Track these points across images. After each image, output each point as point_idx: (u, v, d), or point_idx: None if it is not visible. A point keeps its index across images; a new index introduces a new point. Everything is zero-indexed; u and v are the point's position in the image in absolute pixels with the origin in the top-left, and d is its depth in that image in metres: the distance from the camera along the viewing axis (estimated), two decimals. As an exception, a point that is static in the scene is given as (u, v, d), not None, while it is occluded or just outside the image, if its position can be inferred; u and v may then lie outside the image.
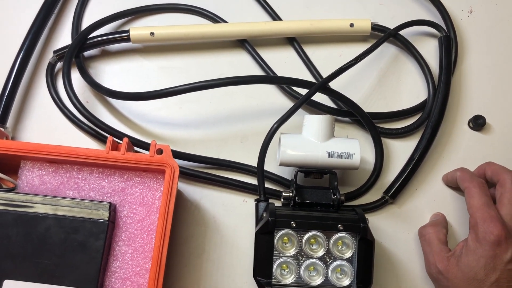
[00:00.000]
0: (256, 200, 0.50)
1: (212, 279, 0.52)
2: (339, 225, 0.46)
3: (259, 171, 0.50)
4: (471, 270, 0.45)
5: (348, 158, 0.49)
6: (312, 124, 0.50)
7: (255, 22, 0.59)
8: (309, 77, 0.59)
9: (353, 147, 0.49)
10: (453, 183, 0.54)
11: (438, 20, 0.61)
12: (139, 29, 0.57)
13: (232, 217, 0.54)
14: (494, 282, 0.44)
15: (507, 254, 0.44)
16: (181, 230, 0.53)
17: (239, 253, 0.53)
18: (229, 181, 0.54)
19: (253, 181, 0.55)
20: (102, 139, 0.55)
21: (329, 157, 0.49)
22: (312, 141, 0.50)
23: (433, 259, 0.48)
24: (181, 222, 0.53)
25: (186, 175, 0.54)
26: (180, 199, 0.54)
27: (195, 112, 0.57)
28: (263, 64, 0.59)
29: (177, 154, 0.54)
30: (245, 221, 0.53)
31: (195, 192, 0.55)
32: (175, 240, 0.52)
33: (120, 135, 0.54)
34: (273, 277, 0.45)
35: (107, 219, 0.45)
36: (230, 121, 0.57)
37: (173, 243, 0.52)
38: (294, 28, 0.59)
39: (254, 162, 0.54)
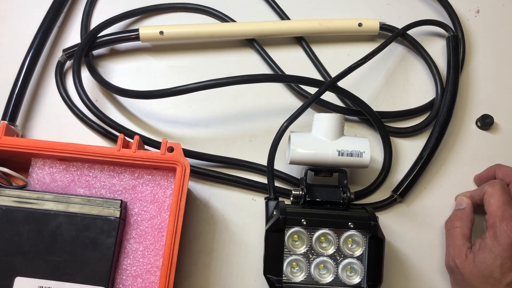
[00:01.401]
0: (266, 198, 0.50)
1: (221, 277, 0.52)
2: (349, 223, 0.46)
3: (269, 169, 0.50)
4: (487, 268, 0.45)
5: (358, 157, 0.49)
6: (322, 123, 0.50)
7: (264, 22, 0.59)
8: (317, 76, 0.60)
9: (363, 146, 0.50)
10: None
11: (446, 20, 0.61)
12: (148, 28, 0.57)
13: (241, 215, 0.54)
14: (510, 282, 0.44)
15: None
16: (190, 228, 0.53)
17: (248, 252, 0.53)
18: (238, 180, 0.54)
19: (261, 179, 0.55)
20: (111, 137, 0.55)
21: (339, 155, 0.49)
22: (322, 139, 0.50)
23: (453, 252, 0.48)
24: (190, 220, 0.53)
25: (195, 173, 0.54)
26: (189, 197, 0.54)
27: (204, 110, 0.58)
28: (271, 63, 0.59)
29: (186, 153, 0.54)
30: (254, 219, 0.54)
31: (204, 190, 0.55)
32: (185, 238, 0.52)
33: (130, 133, 0.54)
34: (283, 275, 0.45)
35: (118, 216, 0.45)
36: (239, 120, 0.57)
37: (183, 241, 0.52)
38: (303, 28, 0.59)
39: (262, 161, 0.54)
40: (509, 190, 0.48)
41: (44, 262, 0.44)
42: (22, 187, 0.48)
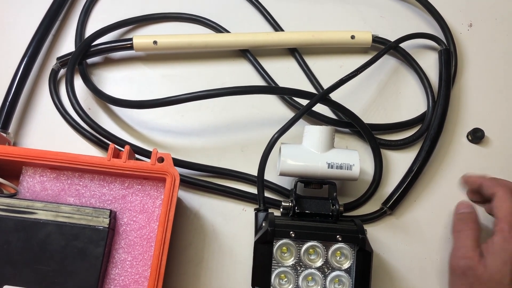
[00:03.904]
0: (255, 209, 0.51)
1: (210, 287, 0.52)
2: (338, 236, 0.46)
3: (259, 181, 0.50)
4: (498, 272, 0.45)
5: (347, 169, 0.49)
6: (313, 135, 0.50)
7: (257, 33, 0.59)
8: (310, 88, 0.60)
9: (352, 158, 0.50)
10: (473, 186, 0.53)
11: (438, 33, 0.62)
12: (142, 37, 0.57)
13: (231, 225, 0.54)
14: None
15: None
16: (180, 237, 0.53)
17: (237, 262, 0.53)
18: (228, 190, 0.54)
19: (252, 190, 0.55)
20: (103, 146, 0.55)
21: (328, 167, 0.49)
22: (312, 151, 0.50)
23: (466, 254, 0.47)
24: (180, 229, 0.53)
25: (186, 183, 0.54)
26: (180, 206, 0.54)
27: (197, 120, 0.58)
28: (264, 74, 0.59)
29: (177, 162, 0.54)
30: (244, 230, 0.54)
31: (195, 200, 0.55)
32: (174, 247, 0.53)
33: (121, 142, 0.54)
34: (271, 287, 0.46)
35: (107, 226, 0.45)
36: (231, 130, 0.58)
37: (172, 250, 0.53)
38: (296, 39, 0.59)
39: (254, 171, 0.54)
40: None
41: (32, 271, 0.44)
42: (13, 195, 0.48)
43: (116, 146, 0.48)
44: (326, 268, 0.47)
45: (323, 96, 0.53)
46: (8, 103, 0.54)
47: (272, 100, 0.59)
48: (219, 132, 0.58)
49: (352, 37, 0.59)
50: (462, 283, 0.47)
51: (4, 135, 0.52)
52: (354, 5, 0.64)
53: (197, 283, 0.52)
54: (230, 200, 0.55)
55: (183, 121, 0.58)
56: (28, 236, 0.45)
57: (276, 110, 0.59)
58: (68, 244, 0.45)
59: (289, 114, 0.59)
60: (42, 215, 0.45)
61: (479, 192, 0.52)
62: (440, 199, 0.56)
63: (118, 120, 0.57)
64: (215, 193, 0.55)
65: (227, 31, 0.61)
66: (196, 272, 0.52)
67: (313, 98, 0.52)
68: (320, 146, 0.50)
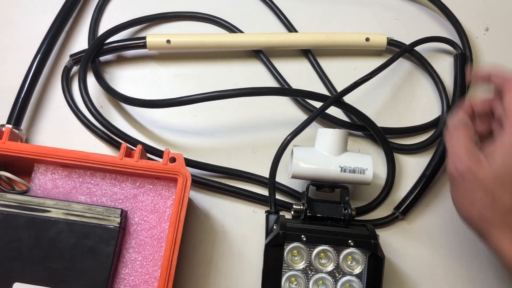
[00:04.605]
0: (266, 212, 0.50)
1: (219, 289, 0.52)
2: (349, 241, 0.45)
3: (270, 183, 0.50)
4: (507, 171, 0.40)
5: (360, 173, 0.49)
6: (326, 138, 0.50)
7: (271, 33, 0.59)
8: (323, 90, 0.59)
9: (366, 163, 0.49)
10: (484, 79, 0.48)
11: (454, 37, 0.61)
12: (155, 36, 0.57)
13: (241, 227, 0.54)
14: None
15: None
16: (190, 237, 0.53)
17: (246, 264, 0.52)
18: (239, 191, 0.54)
19: (263, 191, 0.55)
20: (114, 144, 0.55)
21: (341, 171, 0.49)
22: (325, 154, 0.50)
23: (464, 156, 0.42)
24: (190, 229, 0.53)
25: (196, 183, 0.54)
26: (190, 206, 0.54)
27: (208, 120, 0.58)
28: (277, 75, 0.59)
29: (188, 162, 0.54)
30: (254, 231, 0.53)
31: (205, 200, 0.55)
32: (184, 247, 0.52)
33: (133, 141, 0.54)
34: (281, 290, 0.45)
35: (118, 225, 0.45)
36: (242, 131, 0.57)
37: (181, 250, 0.52)
38: (310, 40, 0.59)
39: (264, 173, 0.54)
40: None
41: (42, 268, 0.44)
42: (24, 192, 0.48)
43: (128, 145, 0.48)
44: (337, 273, 0.46)
45: (337, 98, 0.52)
46: (21, 99, 0.54)
47: (284, 102, 0.59)
48: (231, 133, 0.57)
49: (367, 39, 0.59)
50: (463, 188, 0.43)
51: (17, 131, 0.52)
52: (369, 7, 0.63)
53: (206, 284, 0.52)
54: (240, 201, 0.55)
55: (194, 121, 0.57)
56: (38, 233, 0.45)
57: (288, 111, 0.58)
58: (79, 242, 0.44)
59: (301, 115, 0.58)
60: (53, 213, 0.45)
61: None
62: (453, 205, 0.55)
63: (129, 118, 0.57)
64: (225, 194, 0.55)
65: (241, 31, 0.60)
66: (205, 273, 0.52)
67: (327, 101, 0.52)
68: (333, 149, 0.50)
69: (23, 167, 0.49)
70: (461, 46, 0.59)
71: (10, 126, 0.52)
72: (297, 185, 0.55)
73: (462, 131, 0.45)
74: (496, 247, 0.42)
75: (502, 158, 0.41)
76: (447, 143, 0.46)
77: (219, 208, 0.54)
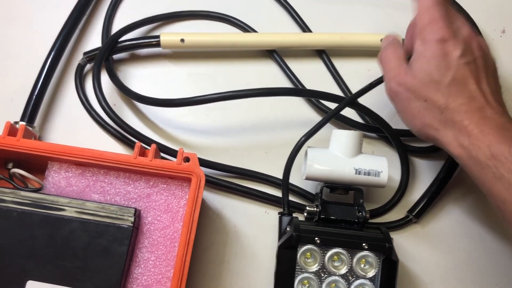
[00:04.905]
0: (279, 213, 0.50)
1: (230, 289, 0.52)
2: (363, 244, 0.45)
3: (284, 184, 0.50)
4: (425, 73, 0.44)
5: (375, 176, 0.49)
6: (340, 140, 0.50)
7: (286, 33, 0.59)
8: (337, 91, 0.59)
9: (381, 165, 0.49)
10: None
11: (470, 38, 0.60)
12: (169, 35, 0.57)
13: (253, 227, 0.54)
14: (452, 81, 0.43)
15: (457, 50, 0.43)
16: (202, 237, 0.53)
17: (259, 265, 0.52)
18: (252, 192, 0.54)
19: (276, 192, 0.54)
20: (127, 143, 0.55)
21: (356, 173, 0.49)
22: (339, 156, 0.49)
23: (392, 75, 0.46)
24: (203, 229, 0.53)
25: (209, 183, 0.54)
26: (202, 206, 0.54)
27: (221, 120, 0.57)
28: (291, 75, 0.58)
29: (201, 162, 0.54)
30: (266, 232, 0.53)
31: (218, 200, 0.54)
32: (196, 247, 0.52)
33: (146, 140, 0.54)
34: (294, 293, 0.45)
35: (131, 224, 0.45)
36: (255, 131, 0.57)
37: (194, 251, 0.52)
38: (324, 41, 0.58)
39: (277, 173, 0.54)
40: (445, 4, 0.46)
41: (55, 267, 0.44)
42: (38, 190, 0.48)
43: (142, 144, 0.48)
44: (350, 276, 0.46)
45: (353, 100, 0.52)
46: (34, 97, 0.54)
47: (298, 102, 0.58)
48: (244, 133, 0.57)
49: (382, 40, 0.58)
50: (401, 99, 0.46)
51: (30, 129, 0.52)
52: (383, 8, 0.63)
53: (217, 285, 0.51)
54: (253, 202, 0.54)
55: (207, 120, 0.57)
56: (52, 231, 0.44)
57: (301, 112, 0.58)
58: (92, 241, 0.44)
59: (314, 116, 0.58)
60: (67, 212, 0.45)
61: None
62: (467, 209, 0.55)
63: (142, 116, 0.57)
64: (238, 194, 0.54)
65: (255, 31, 0.60)
66: (217, 273, 0.52)
67: (342, 102, 0.51)
68: (347, 151, 0.49)
69: (37, 164, 0.49)
70: (477, 48, 0.58)
71: (24, 123, 0.52)
72: (309, 186, 0.55)
73: (390, 49, 0.48)
74: (446, 147, 0.44)
75: (419, 63, 0.44)
76: (381, 63, 0.49)
77: (231, 208, 0.54)
